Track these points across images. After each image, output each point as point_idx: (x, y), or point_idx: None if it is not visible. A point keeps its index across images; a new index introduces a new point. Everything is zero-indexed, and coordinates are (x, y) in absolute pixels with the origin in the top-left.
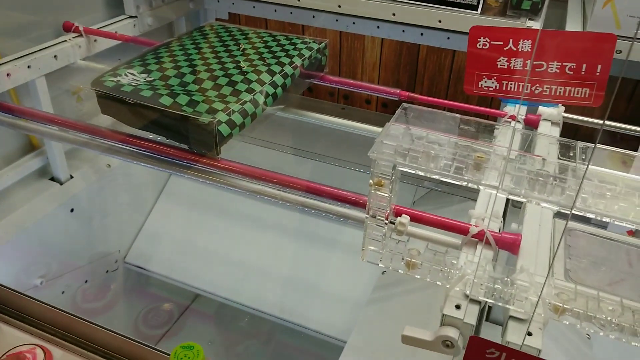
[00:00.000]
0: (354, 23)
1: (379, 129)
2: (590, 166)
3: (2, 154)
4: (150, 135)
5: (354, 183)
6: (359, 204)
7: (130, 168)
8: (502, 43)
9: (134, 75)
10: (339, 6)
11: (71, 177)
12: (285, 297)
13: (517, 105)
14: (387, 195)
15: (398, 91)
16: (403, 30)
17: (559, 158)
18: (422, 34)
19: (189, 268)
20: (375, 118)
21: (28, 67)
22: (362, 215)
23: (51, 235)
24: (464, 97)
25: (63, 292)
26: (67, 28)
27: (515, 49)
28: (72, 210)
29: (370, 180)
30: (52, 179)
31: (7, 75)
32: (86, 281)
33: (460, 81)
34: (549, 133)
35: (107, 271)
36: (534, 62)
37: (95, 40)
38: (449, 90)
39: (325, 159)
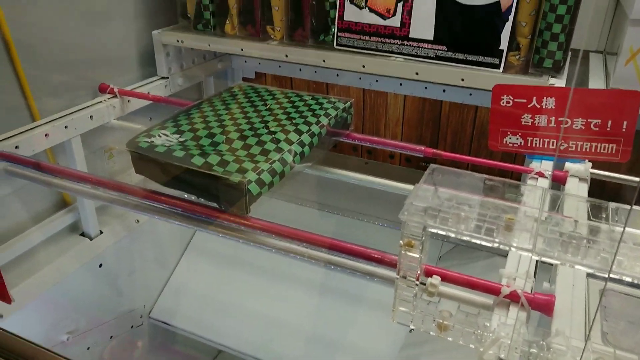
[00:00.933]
0: (377, 81)
1: (404, 185)
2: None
3: (38, 210)
4: (182, 194)
5: (379, 237)
6: (384, 262)
7: (157, 224)
8: (525, 100)
9: (167, 135)
10: (363, 66)
11: (101, 232)
12: (310, 354)
13: (542, 162)
14: (418, 256)
15: (423, 148)
16: (425, 87)
17: (589, 219)
18: (444, 90)
19: (213, 324)
20: (399, 173)
21: (65, 127)
22: (387, 272)
23: (80, 291)
24: (488, 151)
25: (89, 349)
26: (103, 89)
27: (539, 106)
28: (100, 265)
29: (401, 241)
30: (83, 234)
31: (46, 135)
32: (111, 337)
33: (483, 136)
34: (577, 190)
35: (132, 326)
36: (559, 119)
37: (128, 101)
38: (473, 144)
39: (349, 214)
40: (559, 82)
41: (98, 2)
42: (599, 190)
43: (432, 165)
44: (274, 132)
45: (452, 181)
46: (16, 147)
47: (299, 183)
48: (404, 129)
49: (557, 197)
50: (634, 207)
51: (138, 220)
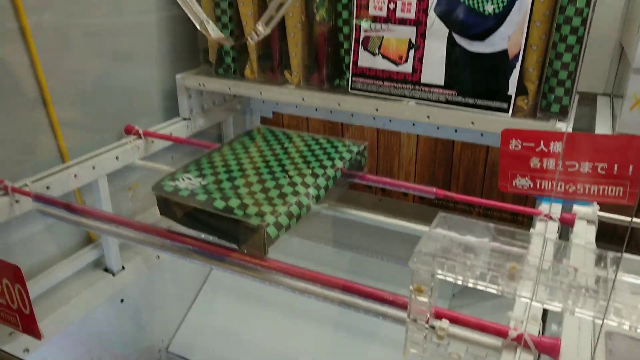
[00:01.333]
0: (390, 121)
1: (417, 226)
2: (625, 276)
3: (65, 246)
4: (202, 235)
5: (392, 274)
6: (395, 303)
7: (177, 260)
8: (533, 144)
9: (190, 179)
10: (377, 109)
11: (123, 268)
12: None
13: (552, 204)
14: (427, 300)
15: (434, 190)
16: (437, 128)
17: (592, 266)
18: (455, 130)
19: (229, 358)
20: (413, 210)
21: (93, 167)
22: (399, 313)
23: (101, 326)
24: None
25: None
26: (128, 131)
27: (547, 150)
28: (122, 300)
29: (411, 286)
30: (106, 269)
31: (75, 176)
32: None
33: (495, 175)
34: (584, 232)
35: None
36: (566, 162)
37: (152, 142)
38: (485, 183)
39: (363, 251)
40: (566, 126)
41: (125, 47)
42: (610, 234)
43: (441, 214)
44: (291, 176)
45: (460, 228)
46: (47, 188)
47: (314, 221)
48: (417, 167)
49: (561, 245)
50: (628, 256)
51: (159, 257)
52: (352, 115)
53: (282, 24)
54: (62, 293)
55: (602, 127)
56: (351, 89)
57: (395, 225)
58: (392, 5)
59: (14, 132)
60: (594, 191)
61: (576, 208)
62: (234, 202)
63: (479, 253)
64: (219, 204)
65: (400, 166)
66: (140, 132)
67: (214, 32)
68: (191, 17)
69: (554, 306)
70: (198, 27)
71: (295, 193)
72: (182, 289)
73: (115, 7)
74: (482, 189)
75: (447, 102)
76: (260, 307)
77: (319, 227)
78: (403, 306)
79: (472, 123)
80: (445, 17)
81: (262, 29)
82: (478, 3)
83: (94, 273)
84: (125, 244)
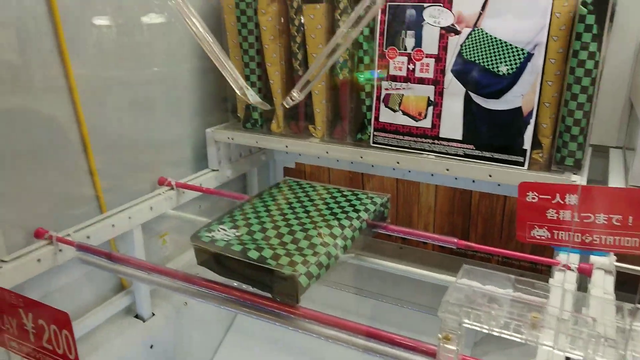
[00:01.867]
0: (409, 172)
1: (438, 275)
2: None
3: (98, 293)
4: (235, 283)
5: (414, 321)
6: (419, 350)
7: (203, 305)
8: (550, 197)
9: (225, 230)
10: (397, 162)
11: (153, 314)
12: None
13: (569, 254)
14: (455, 348)
15: (455, 240)
16: (455, 178)
17: (611, 316)
18: (473, 181)
19: None
20: (433, 258)
21: (129, 217)
22: None
23: None
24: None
25: None
26: (161, 182)
27: (563, 202)
28: (151, 346)
29: (439, 335)
30: (137, 316)
31: (112, 226)
32: None
33: (512, 223)
34: (602, 282)
35: None
36: (582, 214)
37: (183, 192)
38: (503, 232)
39: (386, 299)
40: (581, 179)
41: (159, 103)
42: (633, 283)
43: (465, 266)
44: (320, 227)
45: (483, 279)
46: (87, 237)
47: (337, 269)
48: (436, 216)
49: (580, 296)
50: None
51: (186, 303)
52: (372, 166)
53: None
54: (95, 339)
55: (615, 179)
56: (373, 142)
57: (418, 274)
58: (411, 66)
59: (58, 184)
60: (610, 242)
61: (593, 258)
62: (267, 252)
63: (502, 303)
64: (253, 254)
65: (419, 215)
66: (173, 183)
67: (252, 98)
68: (232, 84)
69: (576, 355)
70: (238, 92)
71: (324, 244)
72: (207, 334)
73: (152, 60)
74: (500, 236)
75: (465, 155)
76: (283, 352)
77: (342, 275)
78: (427, 353)
79: (490, 175)
80: (461, 77)
81: (297, 95)
82: (493, 64)
83: (125, 319)
84: (154, 290)
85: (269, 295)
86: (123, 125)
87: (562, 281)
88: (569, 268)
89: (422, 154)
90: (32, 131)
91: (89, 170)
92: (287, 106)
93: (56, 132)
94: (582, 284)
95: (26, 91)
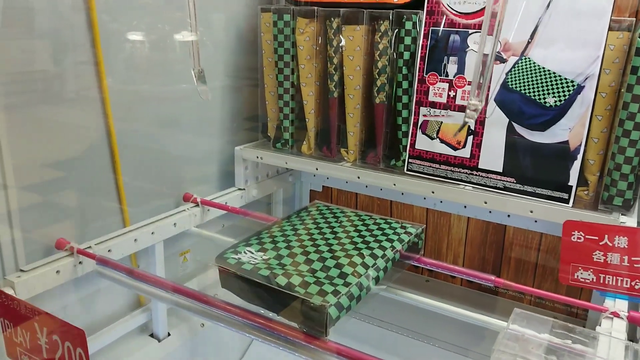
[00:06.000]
0: (441, 202)
1: (471, 314)
2: None
3: (115, 309)
4: (262, 310)
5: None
6: None
7: (220, 328)
8: (597, 238)
9: (252, 253)
10: (433, 192)
11: (169, 334)
12: None
13: (616, 300)
14: None
15: (493, 278)
16: (490, 212)
17: None
18: (509, 215)
19: None
20: (460, 293)
21: (152, 233)
22: None
23: None
24: (553, 279)
25: None
26: (187, 198)
27: (611, 245)
28: None
29: None
30: (152, 335)
31: (135, 240)
32: None
33: (547, 262)
34: None
35: None
36: (633, 259)
37: (208, 210)
38: (537, 271)
39: (414, 335)
40: (630, 220)
41: (188, 120)
42: None
43: (517, 310)
44: (351, 256)
45: (534, 326)
46: (109, 251)
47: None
48: (467, 249)
49: (632, 347)
50: None
51: (203, 324)
52: (402, 194)
53: (342, 105)
54: (108, 356)
55: None
56: (407, 170)
57: (454, 312)
58: (452, 93)
59: (84, 195)
60: None
61: None
62: (295, 280)
63: (553, 353)
64: (281, 280)
65: (449, 247)
66: (199, 200)
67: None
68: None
69: None
70: (192, 72)
71: (356, 274)
72: (221, 357)
73: (183, 76)
74: (534, 275)
75: (505, 189)
76: None
77: (369, 307)
78: None
79: (531, 211)
80: (505, 106)
81: (478, 103)
82: (539, 95)
83: (140, 338)
84: (171, 310)
85: (294, 324)
86: (152, 140)
87: (610, 330)
88: (618, 315)
89: (459, 184)
90: (63, 142)
91: (116, 183)
92: (473, 120)
93: (87, 143)
94: (631, 332)
95: (59, 101)
